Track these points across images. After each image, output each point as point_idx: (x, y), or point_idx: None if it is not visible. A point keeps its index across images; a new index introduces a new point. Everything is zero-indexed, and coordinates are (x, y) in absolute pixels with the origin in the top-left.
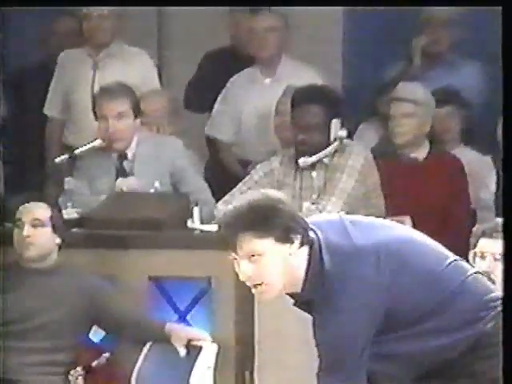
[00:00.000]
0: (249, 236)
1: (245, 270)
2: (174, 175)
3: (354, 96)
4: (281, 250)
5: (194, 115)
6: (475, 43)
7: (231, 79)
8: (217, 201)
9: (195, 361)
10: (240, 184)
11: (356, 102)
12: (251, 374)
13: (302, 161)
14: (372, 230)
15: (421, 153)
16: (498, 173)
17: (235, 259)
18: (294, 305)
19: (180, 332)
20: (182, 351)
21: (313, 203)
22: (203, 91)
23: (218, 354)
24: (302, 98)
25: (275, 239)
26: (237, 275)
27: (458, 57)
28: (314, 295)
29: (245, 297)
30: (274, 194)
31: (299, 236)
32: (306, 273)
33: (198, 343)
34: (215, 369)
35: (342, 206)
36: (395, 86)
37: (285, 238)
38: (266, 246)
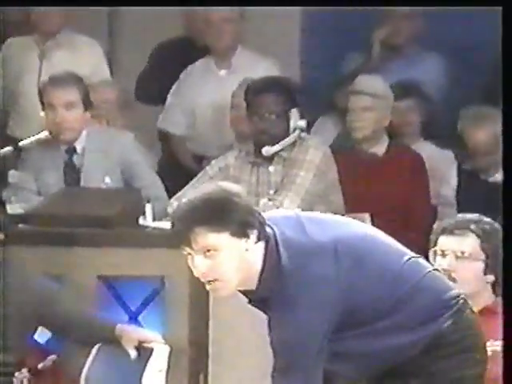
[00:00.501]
0: (204, 230)
1: (199, 265)
2: (126, 170)
3: (312, 89)
4: (236, 245)
5: (146, 108)
6: (436, 36)
7: (185, 70)
8: (170, 197)
9: (146, 363)
10: (194, 180)
11: (314, 95)
12: (205, 376)
13: (265, 150)
14: (329, 227)
15: (380, 147)
16: (459, 168)
17: (189, 254)
18: (249, 303)
19: (131, 333)
20: (133, 353)
21: (269, 199)
22: (155, 83)
23: (170, 356)
24: (259, 87)
25: (231, 234)
26: (191, 274)
27: (418, 50)
28: (269, 292)
29: (199, 297)
30: (230, 186)
31: (255, 231)
32: (262, 269)
33: (150, 345)
34: (167, 371)
35: (300, 202)
36: (354, 79)
37: (241, 232)
38: (221, 240)
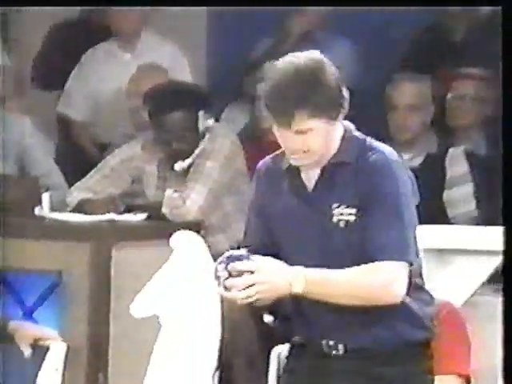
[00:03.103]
0: (304, 115)
1: (293, 143)
2: (21, 157)
3: (220, 76)
4: (328, 128)
5: (42, 92)
6: (346, 21)
7: (86, 53)
8: (69, 186)
9: (42, 362)
10: (93, 170)
11: (222, 82)
12: (105, 376)
13: (177, 166)
14: None
15: None
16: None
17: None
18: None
19: (25, 330)
20: (27, 351)
21: (175, 191)
22: (52, 66)
23: (67, 354)
24: (160, 106)
25: (327, 118)
26: (91, 268)
27: (327, 35)
28: (350, 158)
29: (99, 292)
30: (317, 57)
31: (344, 111)
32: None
33: (46, 343)
34: (64, 370)
35: (207, 193)
36: (262, 66)
37: (335, 116)
38: (318, 124)
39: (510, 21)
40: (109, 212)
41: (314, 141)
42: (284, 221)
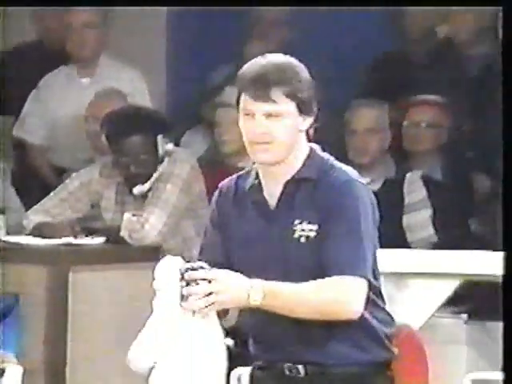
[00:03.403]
0: (279, 93)
1: (260, 125)
2: None
3: (179, 101)
4: (296, 119)
5: None
6: (305, 46)
7: (44, 77)
8: (26, 209)
9: None
10: (51, 193)
11: (181, 107)
12: None
13: (136, 190)
14: None
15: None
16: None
17: (247, 115)
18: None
19: None
20: None
21: (134, 214)
22: (8, 90)
23: (23, 377)
24: (117, 130)
25: (298, 105)
26: (48, 291)
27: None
28: (314, 174)
29: (57, 315)
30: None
31: (313, 115)
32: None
33: (2, 365)
34: None
35: (166, 217)
36: (221, 91)
37: (305, 108)
38: (288, 107)
39: (510, 21)
40: (66, 236)
41: (280, 130)
42: (245, 239)
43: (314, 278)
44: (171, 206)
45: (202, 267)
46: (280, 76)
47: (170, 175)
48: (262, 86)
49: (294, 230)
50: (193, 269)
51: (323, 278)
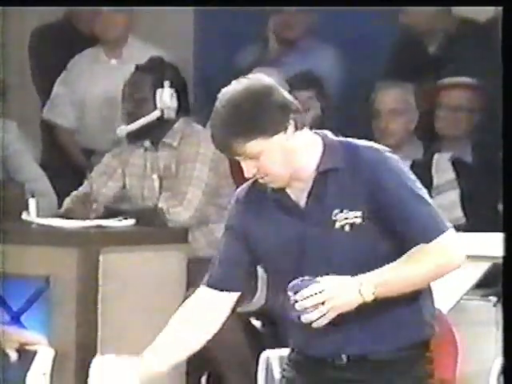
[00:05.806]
0: (241, 142)
1: (247, 169)
2: (7, 161)
3: (205, 82)
4: (276, 142)
5: (27, 98)
6: (330, 28)
7: (72, 60)
8: (56, 192)
9: (29, 367)
10: (92, 173)
11: (207, 89)
12: None
13: (119, 130)
14: None
15: None
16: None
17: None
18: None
19: (11, 335)
20: (13, 356)
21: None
22: (37, 71)
23: (55, 359)
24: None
25: (268, 136)
26: (78, 273)
27: (312, 43)
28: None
29: (87, 297)
30: (258, 84)
31: (292, 121)
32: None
33: (33, 347)
34: (52, 375)
35: (201, 194)
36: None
37: (277, 130)
38: (260, 145)
39: (510, 21)
40: (97, 218)
41: (268, 164)
42: (278, 244)
43: (362, 265)
44: (204, 183)
45: (308, 280)
46: (236, 130)
47: (196, 154)
48: (224, 148)
49: (335, 221)
50: (301, 286)
51: (373, 262)
